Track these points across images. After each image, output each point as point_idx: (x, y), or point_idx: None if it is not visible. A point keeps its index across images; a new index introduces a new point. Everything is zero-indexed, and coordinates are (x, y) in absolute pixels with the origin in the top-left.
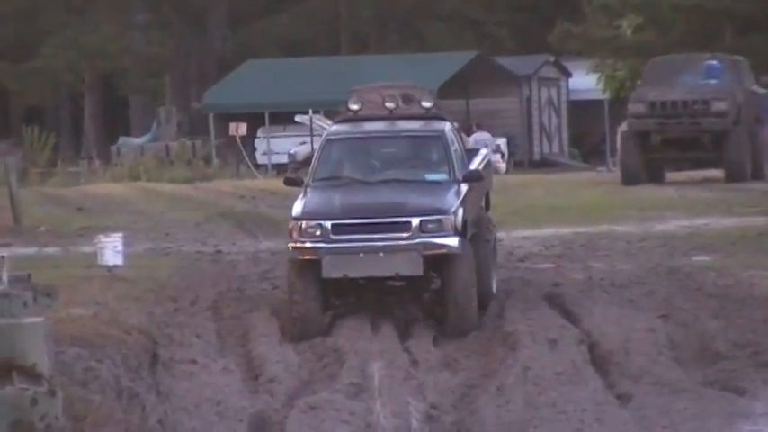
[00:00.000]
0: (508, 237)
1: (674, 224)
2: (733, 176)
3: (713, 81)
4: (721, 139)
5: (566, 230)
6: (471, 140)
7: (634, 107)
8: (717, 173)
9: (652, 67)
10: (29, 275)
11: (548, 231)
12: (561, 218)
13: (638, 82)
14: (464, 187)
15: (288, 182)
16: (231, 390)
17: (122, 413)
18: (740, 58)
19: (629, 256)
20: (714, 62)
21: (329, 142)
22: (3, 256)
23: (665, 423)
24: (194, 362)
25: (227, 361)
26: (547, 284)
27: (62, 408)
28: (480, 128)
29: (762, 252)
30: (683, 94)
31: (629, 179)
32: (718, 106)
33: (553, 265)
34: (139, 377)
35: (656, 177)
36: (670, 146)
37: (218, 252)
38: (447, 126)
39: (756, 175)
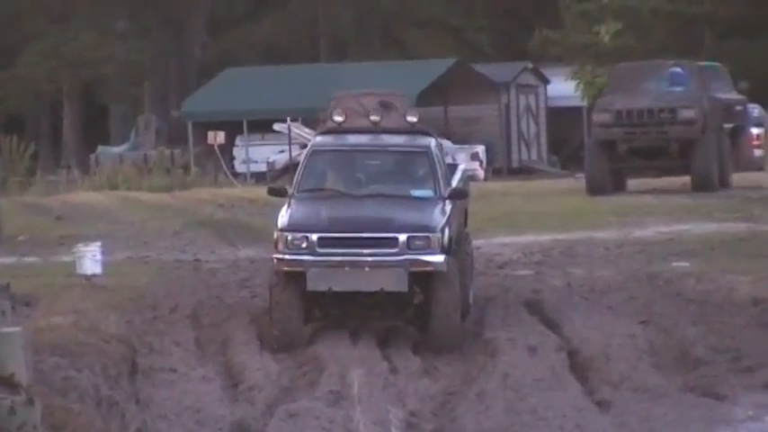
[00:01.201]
0: (488, 243)
1: (654, 230)
2: (700, 185)
3: (678, 88)
4: (688, 148)
5: (545, 237)
6: None
7: (600, 116)
8: (679, 179)
9: (616, 75)
10: (8, 284)
11: (527, 238)
12: (540, 224)
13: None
14: (449, 204)
15: (271, 192)
16: (211, 398)
17: (102, 422)
18: (716, 63)
19: (609, 262)
20: (678, 69)
21: (314, 153)
22: None
23: (645, 429)
24: (174, 370)
25: (207, 369)
26: (526, 291)
27: (41, 417)
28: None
29: (741, 257)
30: (649, 102)
31: (594, 189)
32: (686, 114)
33: (532, 272)
34: (119, 386)
35: (618, 185)
36: (636, 155)
37: (197, 260)
38: (433, 142)
39: (723, 183)
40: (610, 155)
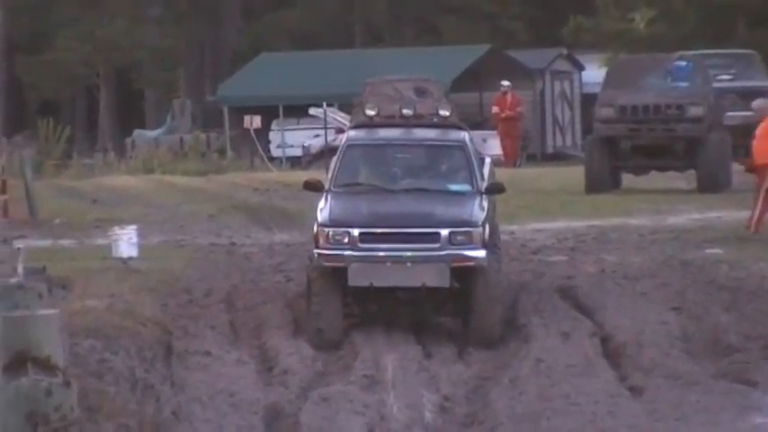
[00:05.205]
0: (521, 229)
1: (687, 217)
2: (707, 186)
3: (683, 83)
4: (695, 146)
5: (578, 223)
6: None
7: (602, 111)
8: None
9: (615, 69)
10: (44, 267)
11: (560, 224)
12: (574, 211)
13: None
14: (487, 198)
15: (307, 186)
16: (245, 381)
17: (136, 404)
18: (750, 51)
19: (642, 248)
20: (682, 63)
21: (350, 148)
22: (18, 248)
23: (676, 416)
24: (208, 353)
25: (241, 353)
26: (560, 277)
27: (77, 399)
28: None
29: None
30: (654, 97)
31: (593, 187)
32: (694, 111)
33: (566, 258)
34: (154, 369)
35: (615, 182)
36: (639, 152)
37: (233, 244)
38: (467, 135)
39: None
40: (611, 152)
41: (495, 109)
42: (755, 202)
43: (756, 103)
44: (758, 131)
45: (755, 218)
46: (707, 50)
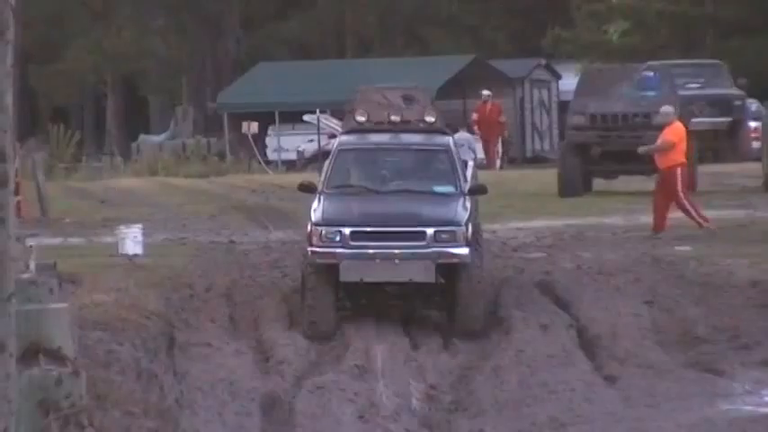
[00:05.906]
0: (503, 228)
1: None
2: None
3: (651, 93)
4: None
5: (556, 222)
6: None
7: (574, 119)
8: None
9: (587, 78)
10: (54, 264)
11: (540, 223)
12: (552, 210)
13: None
14: (470, 199)
15: (302, 188)
16: (243, 371)
17: (142, 393)
18: (717, 61)
19: (616, 246)
20: (650, 73)
21: (341, 152)
22: (31, 246)
23: (649, 402)
24: (209, 345)
25: (240, 344)
26: (539, 273)
27: (86, 387)
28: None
29: (740, 242)
30: (623, 106)
31: (567, 191)
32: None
33: (544, 255)
34: (158, 359)
35: (586, 186)
36: (609, 158)
37: (232, 242)
38: (451, 140)
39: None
40: (583, 157)
41: (474, 116)
42: (683, 207)
43: (664, 108)
44: (663, 135)
45: (696, 216)
46: (676, 60)
